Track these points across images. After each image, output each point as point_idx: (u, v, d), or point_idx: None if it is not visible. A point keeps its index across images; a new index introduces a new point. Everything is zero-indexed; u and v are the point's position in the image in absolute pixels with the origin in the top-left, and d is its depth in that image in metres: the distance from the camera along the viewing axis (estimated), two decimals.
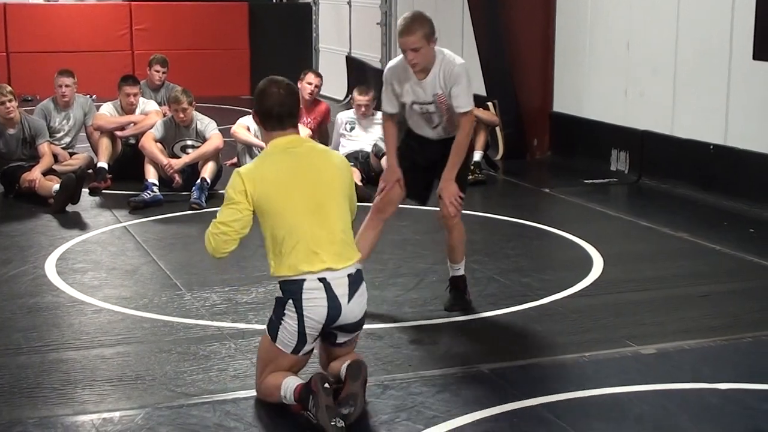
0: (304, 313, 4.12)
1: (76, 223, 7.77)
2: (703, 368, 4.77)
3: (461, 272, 5.66)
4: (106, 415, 4.21)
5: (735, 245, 7.02)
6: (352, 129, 9.34)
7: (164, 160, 8.55)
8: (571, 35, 10.45)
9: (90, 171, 8.89)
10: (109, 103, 9.41)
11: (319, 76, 9.53)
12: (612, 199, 9.04)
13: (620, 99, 9.79)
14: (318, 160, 4.33)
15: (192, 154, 8.66)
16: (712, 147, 8.64)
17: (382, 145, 8.99)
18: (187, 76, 13.14)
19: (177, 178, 8.56)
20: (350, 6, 15.86)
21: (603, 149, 9.91)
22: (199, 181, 8.35)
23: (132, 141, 9.19)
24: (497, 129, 10.28)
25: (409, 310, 5.63)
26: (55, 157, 8.86)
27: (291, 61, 14.59)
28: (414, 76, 5.39)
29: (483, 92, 10.55)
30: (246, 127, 9.04)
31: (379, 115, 9.41)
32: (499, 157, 10.37)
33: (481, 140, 9.39)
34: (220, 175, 8.59)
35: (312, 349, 4.30)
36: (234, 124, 9.26)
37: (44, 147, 8.63)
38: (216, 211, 4.31)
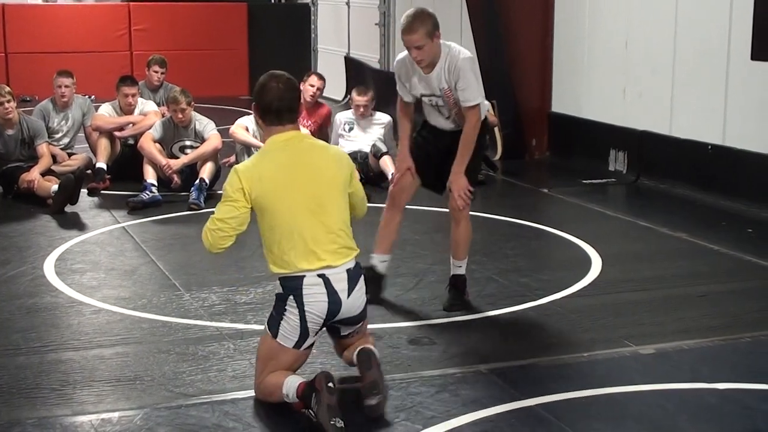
0: (306, 308, 4.13)
1: (74, 223, 7.76)
2: (701, 368, 4.77)
3: (462, 271, 5.67)
4: (104, 415, 4.20)
5: (733, 245, 7.02)
6: (350, 129, 9.32)
7: (163, 160, 8.54)
8: (570, 36, 10.46)
9: (89, 171, 8.88)
10: (107, 103, 9.41)
11: (322, 78, 9.42)
12: (610, 199, 9.04)
13: (618, 99, 9.78)
14: (317, 157, 4.31)
15: (191, 155, 8.65)
16: (710, 147, 8.64)
17: (380, 145, 9.00)
18: (186, 76, 13.15)
19: (176, 178, 8.56)
20: (349, 6, 15.85)
21: (601, 149, 9.91)
22: (197, 181, 8.35)
23: (131, 141, 9.19)
24: (496, 129, 10.27)
25: (408, 310, 5.63)
26: (54, 158, 8.85)
27: (289, 62, 14.48)
28: (420, 70, 5.41)
29: None
30: (245, 128, 9.02)
31: (378, 115, 9.44)
32: (497, 157, 10.36)
33: None
34: (218, 176, 8.57)
35: (312, 344, 4.30)
36: (233, 124, 9.24)
37: (43, 148, 8.62)
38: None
